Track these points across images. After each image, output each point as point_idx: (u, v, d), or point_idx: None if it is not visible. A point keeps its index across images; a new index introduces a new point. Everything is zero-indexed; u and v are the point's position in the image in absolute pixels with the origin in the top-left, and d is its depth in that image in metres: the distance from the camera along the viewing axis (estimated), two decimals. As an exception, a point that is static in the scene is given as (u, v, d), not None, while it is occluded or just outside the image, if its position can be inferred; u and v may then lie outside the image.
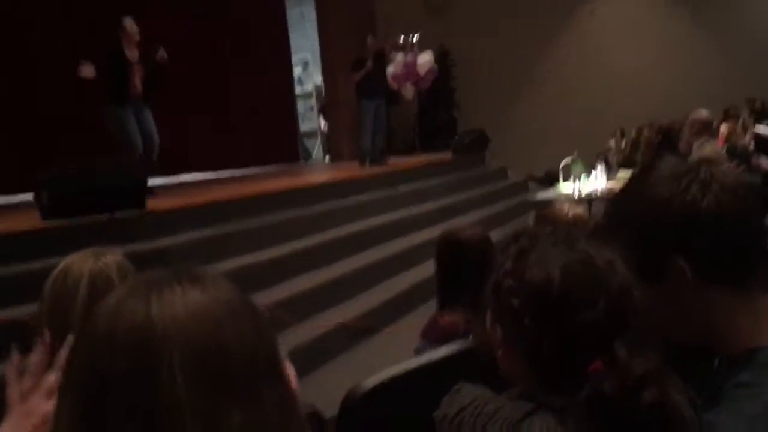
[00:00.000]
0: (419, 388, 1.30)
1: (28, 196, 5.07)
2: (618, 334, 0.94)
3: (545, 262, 0.97)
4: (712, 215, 1.00)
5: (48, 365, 1.04)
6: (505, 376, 1.04)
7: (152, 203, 5.20)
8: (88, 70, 6.20)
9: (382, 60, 9.07)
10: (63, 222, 4.45)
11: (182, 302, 0.68)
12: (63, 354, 0.91)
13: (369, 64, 8.77)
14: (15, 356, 1.06)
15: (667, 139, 5.94)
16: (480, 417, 0.96)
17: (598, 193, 6.44)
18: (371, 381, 1.54)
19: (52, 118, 8.29)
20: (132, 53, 6.46)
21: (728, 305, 1.02)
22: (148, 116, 6.60)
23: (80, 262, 1.54)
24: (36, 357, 1.01)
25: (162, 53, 6.51)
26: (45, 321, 1.49)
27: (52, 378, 0.92)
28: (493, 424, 0.94)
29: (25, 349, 1.17)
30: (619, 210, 1.13)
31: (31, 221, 4.62)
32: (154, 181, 6.85)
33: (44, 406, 0.91)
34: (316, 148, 13.87)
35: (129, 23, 6.47)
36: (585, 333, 0.94)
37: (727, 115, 9.08)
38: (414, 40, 11.07)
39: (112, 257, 1.58)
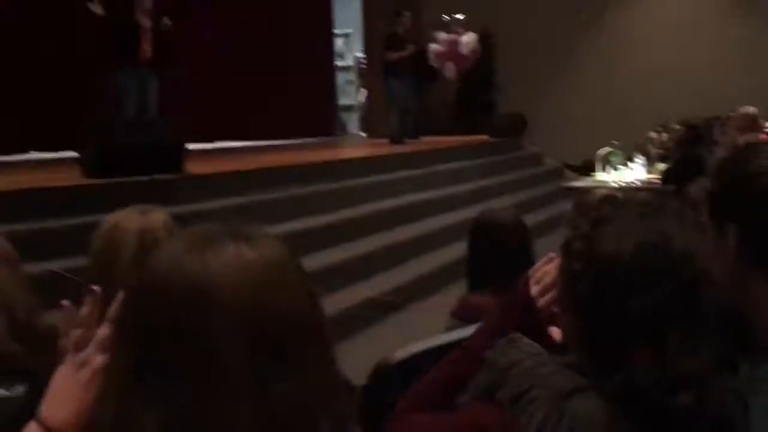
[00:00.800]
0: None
1: (69, 153, 5.17)
2: (675, 328, 0.89)
3: (621, 235, 0.92)
4: None
5: (98, 318, 1.08)
6: (565, 342, 1.03)
7: (191, 167, 5.28)
8: (97, 7, 6.07)
9: (418, 42, 8.87)
10: (104, 180, 4.54)
11: (237, 263, 0.68)
12: (114, 308, 0.94)
13: (410, 47, 8.56)
14: (68, 307, 1.10)
15: (696, 136, 5.85)
16: (530, 378, 0.94)
17: (637, 185, 6.37)
18: (401, 353, 1.57)
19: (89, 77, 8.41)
20: (143, 17, 6.27)
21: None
22: (153, 87, 6.43)
23: (127, 219, 1.56)
24: (86, 309, 1.05)
25: (166, 22, 6.34)
26: (94, 275, 1.52)
27: (104, 331, 0.96)
28: (541, 389, 0.92)
29: (76, 302, 1.21)
30: (723, 164, 1.16)
31: (74, 177, 4.73)
32: (203, 146, 6.89)
33: (96, 358, 0.94)
34: (354, 123, 13.85)
35: None
36: (640, 318, 0.89)
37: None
38: (459, 18, 10.97)
39: (157, 214, 1.59)
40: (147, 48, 6.26)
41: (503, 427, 0.94)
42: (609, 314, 0.91)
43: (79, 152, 4.96)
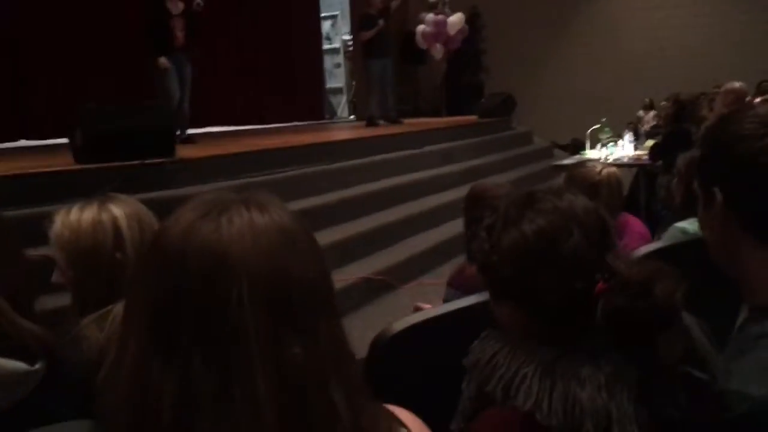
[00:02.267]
0: (449, 333, 1.34)
1: (63, 140, 5.15)
2: (604, 252, 0.99)
3: (513, 225, 1.03)
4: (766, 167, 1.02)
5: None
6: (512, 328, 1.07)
7: (181, 151, 5.27)
8: (163, 62, 6.44)
9: (389, 18, 8.78)
10: (96, 165, 4.53)
11: (251, 229, 0.69)
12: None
13: (381, 22, 8.55)
14: None
15: (683, 111, 5.88)
16: (514, 359, 0.98)
17: (625, 161, 6.42)
18: (400, 324, 1.59)
19: (87, 63, 8.39)
20: (173, 5, 6.56)
21: (757, 256, 1.05)
22: (188, 69, 6.74)
23: (100, 211, 1.52)
24: None
25: (198, 1, 6.61)
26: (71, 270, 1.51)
27: None
28: (528, 366, 0.96)
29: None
30: (709, 131, 1.18)
31: (66, 163, 4.71)
32: (194, 131, 7.07)
33: None
34: (341, 106, 13.80)
35: None
36: (574, 259, 0.98)
37: (761, 89, 8.93)
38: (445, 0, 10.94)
39: (119, 209, 1.53)
40: (180, 35, 6.56)
41: (507, 425, 0.97)
42: (555, 279, 0.99)
43: (69, 138, 4.94)
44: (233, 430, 0.65)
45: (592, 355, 0.97)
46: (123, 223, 1.50)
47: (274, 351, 0.66)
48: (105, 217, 1.50)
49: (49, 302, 2.73)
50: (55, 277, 1.57)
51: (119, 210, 1.52)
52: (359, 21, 8.82)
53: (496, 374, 0.99)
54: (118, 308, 1.41)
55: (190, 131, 7.11)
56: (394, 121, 9.08)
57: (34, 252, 3.49)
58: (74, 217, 1.51)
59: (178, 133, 6.74)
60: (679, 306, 0.96)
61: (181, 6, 6.60)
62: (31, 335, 1.19)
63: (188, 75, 6.76)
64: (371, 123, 8.87)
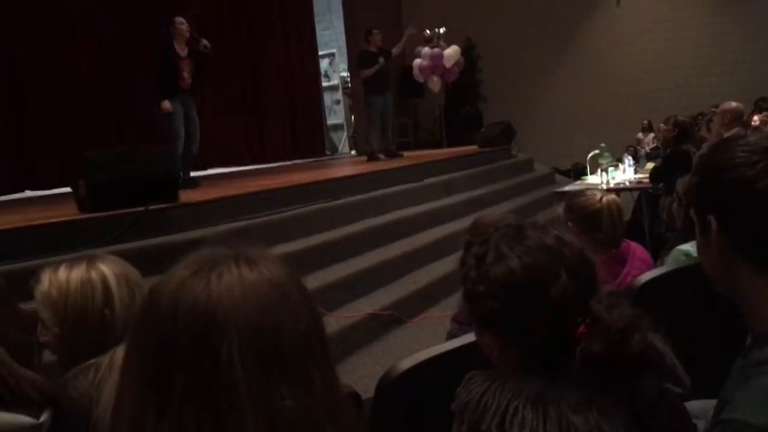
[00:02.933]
0: (454, 370, 1.34)
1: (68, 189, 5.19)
2: (588, 295, 1.03)
3: (503, 258, 1.06)
4: (763, 194, 1.01)
5: None
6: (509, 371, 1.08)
7: (184, 195, 5.30)
8: (166, 105, 6.56)
9: (389, 55, 8.96)
10: (99, 214, 4.55)
11: (240, 285, 0.71)
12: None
13: (381, 60, 8.70)
14: None
15: (683, 133, 5.91)
16: (503, 394, 1.00)
17: (627, 185, 6.43)
18: (407, 362, 1.59)
19: (90, 110, 8.51)
20: (181, 48, 6.73)
21: (756, 283, 1.05)
22: (194, 110, 6.87)
23: (89, 270, 1.54)
24: None
25: (204, 43, 6.75)
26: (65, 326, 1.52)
27: None
28: (518, 398, 0.98)
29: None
30: (701, 158, 1.17)
31: (70, 213, 4.74)
32: (196, 173, 7.18)
33: None
34: (343, 142, 13.90)
35: (179, 20, 6.74)
36: (560, 303, 1.01)
37: (758, 107, 8.97)
38: (440, 32, 11.07)
39: (107, 268, 1.56)
40: (186, 76, 6.71)
41: None
42: (538, 319, 1.02)
43: (72, 188, 4.98)
44: None
45: (578, 379, 0.99)
46: (112, 281, 1.53)
47: (265, 403, 0.67)
48: (94, 275, 1.52)
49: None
50: (40, 335, 1.57)
51: (108, 269, 1.55)
52: (359, 58, 8.94)
53: (488, 412, 1.00)
54: (102, 359, 1.44)
55: (193, 174, 7.16)
56: (395, 154, 9.15)
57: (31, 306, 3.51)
58: (62, 276, 1.52)
59: (181, 175, 6.85)
60: (652, 358, 1.00)
61: (186, 49, 6.77)
62: (33, 385, 1.19)
63: (195, 116, 6.89)
64: (372, 158, 8.95)
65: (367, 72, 8.67)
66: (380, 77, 8.74)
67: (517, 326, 1.04)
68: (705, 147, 1.17)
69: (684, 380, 1.05)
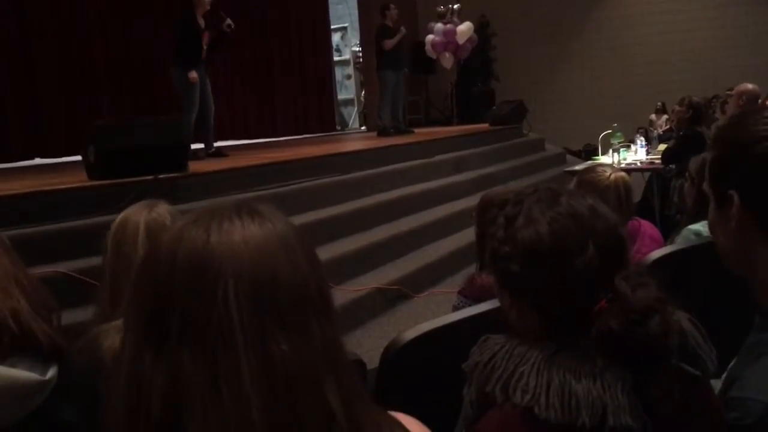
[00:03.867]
0: (458, 341, 1.34)
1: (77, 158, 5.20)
2: (615, 271, 1.00)
3: (532, 222, 1.04)
4: None
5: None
6: (523, 334, 1.08)
7: (194, 166, 5.30)
8: (193, 75, 6.56)
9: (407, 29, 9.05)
10: (108, 181, 4.56)
11: (240, 233, 0.72)
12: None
13: (402, 30, 8.71)
14: None
15: (696, 114, 5.85)
16: (511, 359, 1.00)
17: (638, 165, 6.39)
18: (412, 332, 1.59)
19: (102, 80, 8.52)
20: (202, 20, 6.77)
21: None
22: (208, 81, 6.89)
23: (136, 213, 1.67)
24: None
25: (229, 22, 6.82)
26: (109, 268, 1.58)
27: None
28: (524, 364, 0.99)
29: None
30: (721, 132, 1.16)
31: (79, 179, 4.75)
32: (222, 144, 7.34)
33: None
34: (353, 117, 13.86)
35: None
36: (583, 276, 1.00)
37: (774, 90, 8.86)
38: (454, 8, 10.97)
39: (164, 207, 1.72)
40: (205, 48, 6.78)
41: (508, 423, 0.98)
42: (558, 287, 1.01)
43: (82, 156, 4.98)
44: (221, 424, 0.66)
45: (587, 349, 0.98)
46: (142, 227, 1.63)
47: (260, 348, 0.68)
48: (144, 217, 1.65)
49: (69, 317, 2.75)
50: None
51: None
52: (378, 31, 8.88)
53: (494, 375, 1.00)
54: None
55: (200, 146, 7.16)
56: (405, 130, 9.11)
57: (49, 268, 3.54)
58: (126, 212, 1.68)
59: (204, 147, 6.98)
60: (670, 344, 0.97)
61: (204, 21, 6.83)
62: (44, 334, 1.20)
63: (208, 84, 6.90)
64: (383, 133, 8.92)
65: (390, 42, 8.65)
66: (396, 53, 8.74)
67: (535, 292, 1.03)
68: (723, 120, 1.12)
69: (708, 364, 1.02)
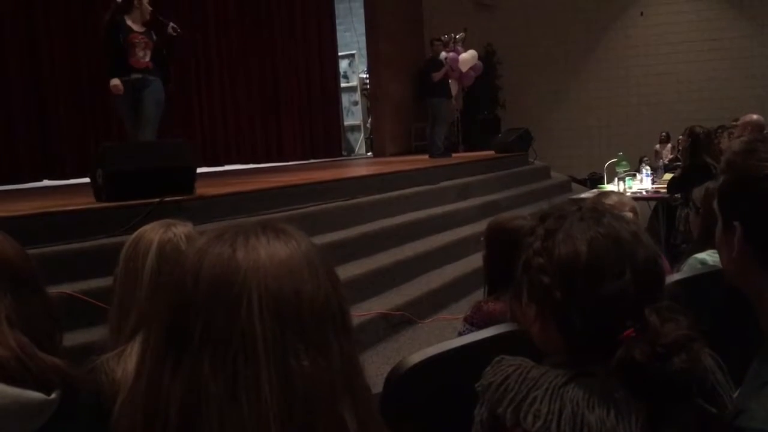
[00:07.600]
0: (463, 366, 1.33)
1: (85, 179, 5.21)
2: (647, 302, 0.98)
3: (572, 238, 1.02)
4: None
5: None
6: (542, 350, 1.07)
7: (201, 189, 5.31)
8: (114, 83, 5.88)
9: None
10: (116, 203, 4.58)
11: (265, 249, 0.73)
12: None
13: (447, 62, 9.69)
14: None
15: (698, 144, 5.85)
16: (525, 382, 0.99)
17: (644, 193, 6.39)
18: (416, 357, 1.58)
19: (110, 103, 8.58)
20: (137, 24, 5.98)
21: None
22: (153, 93, 6.01)
23: (151, 232, 1.64)
24: None
25: (173, 26, 6.06)
26: (118, 283, 1.58)
27: None
28: (537, 389, 0.97)
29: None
30: (732, 161, 1.14)
31: (87, 201, 4.78)
32: (211, 169, 6.97)
33: None
34: (359, 143, 13.92)
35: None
36: (614, 302, 0.97)
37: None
38: (457, 38, 11.06)
39: (181, 228, 1.66)
40: (142, 54, 5.94)
41: None
42: (587, 309, 0.98)
43: (90, 178, 5.01)
44: None
45: (605, 378, 0.97)
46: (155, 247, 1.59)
47: (281, 361, 0.69)
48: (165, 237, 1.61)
49: (75, 339, 2.75)
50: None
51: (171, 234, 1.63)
52: (428, 64, 9.84)
53: (507, 397, 0.99)
54: (133, 346, 1.44)
55: (206, 169, 7.06)
56: (449, 155, 9.75)
57: (54, 289, 3.54)
58: (143, 229, 1.65)
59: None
60: (693, 383, 0.95)
61: (141, 24, 6.00)
62: (52, 368, 1.19)
63: (150, 102, 5.96)
64: (443, 155, 9.47)
65: (438, 75, 9.56)
66: (444, 82, 9.74)
67: (561, 307, 1.01)
68: (738, 144, 1.12)
69: (727, 402, 1.00)
